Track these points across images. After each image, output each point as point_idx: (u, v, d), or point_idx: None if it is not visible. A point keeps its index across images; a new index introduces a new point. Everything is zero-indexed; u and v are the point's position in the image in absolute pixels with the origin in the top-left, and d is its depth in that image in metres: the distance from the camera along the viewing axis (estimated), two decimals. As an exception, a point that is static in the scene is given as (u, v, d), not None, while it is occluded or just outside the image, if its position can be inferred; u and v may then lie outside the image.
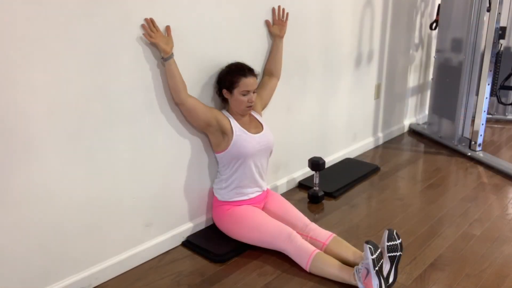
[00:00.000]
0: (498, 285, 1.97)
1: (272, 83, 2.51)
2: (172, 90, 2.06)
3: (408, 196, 2.83)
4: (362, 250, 2.06)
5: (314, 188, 2.74)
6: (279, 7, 2.49)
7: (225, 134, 2.21)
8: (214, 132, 2.21)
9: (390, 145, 3.74)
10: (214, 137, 2.24)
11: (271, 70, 2.52)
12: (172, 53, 1.99)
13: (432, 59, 3.99)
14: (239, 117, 2.26)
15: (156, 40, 1.94)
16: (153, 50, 1.99)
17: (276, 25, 2.50)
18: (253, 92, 2.21)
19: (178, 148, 2.21)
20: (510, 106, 4.29)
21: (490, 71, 3.23)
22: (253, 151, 2.23)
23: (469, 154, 3.42)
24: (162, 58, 1.99)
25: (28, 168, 1.70)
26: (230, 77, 2.18)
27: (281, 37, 2.51)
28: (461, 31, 3.40)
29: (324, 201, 2.76)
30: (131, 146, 2.01)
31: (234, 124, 2.22)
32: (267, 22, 2.47)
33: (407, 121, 4.11)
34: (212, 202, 2.39)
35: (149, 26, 1.94)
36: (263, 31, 2.48)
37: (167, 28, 2.01)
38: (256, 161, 2.28)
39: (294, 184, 2.97)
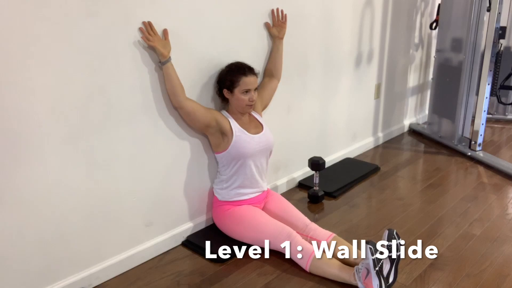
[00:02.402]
0: (498, 285, 1.97)
1: (273, 84, 2.51)
2: (170, 94, 2.05)
3: (408, 196, 2.83)
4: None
5: (314, 188, 2.74)
6: (277, 9, 2.49)
7: (224, 135, 2.21)
8: (214, 133, 2.21)
9: (390, 145, 3.74)
10: (214, 138, 2.24)
11: (271, 71, 2.52)
12: (170, 57, 1.99)
13: (432, 59, 3.99)
14: (239, 116, 2.26)
15: (154, 44, 1.94)
16: (153, 51, 1.99)
17: (276, 27, 2.50)
18: (254, 91, 2.21)
19: (178, 148, 2.21)
20: (510, 106, 4.29)
21: (490, 71, 3.23)
22: (253, 151, 2.23)
23: (469, 154, 3.42)
24: (160, 62, 1.99)
25: (28, 168, 1.70)
26: (231, 76, 2.18)
27: (281, 38, 2.51)
28: (461, 31, 3.40)
29: (324, 201, 2.76)
30: (131, 146, 2.01)
31: (234, 124, 2.22)
32: (266, 24, 2.47)
33: (407, 121, 4.11)
34: (212, 202, 2.39)
35: (147, 29, 1.93)
36: (263, 30, 2.48)
37: (165, 32, 2.00)
38: (256, 162, 2.28)
39: (294, 184, 2.97)
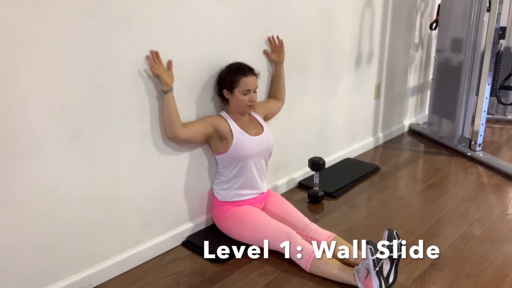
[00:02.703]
0: (498, 285, 1.97)
1: (279, 105, 2.57)
2: (166, 123, 2.06)
3: (408, 196, 2.83)
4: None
5: (314, 188, 2.74)
6: (272, 36, 2.50)
7: (224, 138, 2.21)
8: (213, 138, 2.22)
9: (390, 145, 3.74)
10: (213, 142, 2.25)
11: (275, 95, 2.57)
12: (172, 88, 2.02)
13: (432, 59, 3.99)
14: (239, 117, 2.26)
15: (160, 72, 1.97)
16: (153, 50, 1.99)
17: (274, 53, 2.52)
18: (254, 92, 2.21)
19: (178, 148, 2.21)
20: (510, 106, 4.29)
21: (490, 71, 3.23)
22: (253, 153, 2.23)
23: (469, 154, 3.42)
24: (162, 90, 2.01)
25: (28, 168, 1.70)
26: (231, 76, 2.18)
27: (281, 63, 2.54)
28: (461, 31, 3.40)
29: (324, 201, 2.76)
30: (131, 146, 2.01)
31: (234, 126, 2.22)
32: (265, 51, 2.50)
33: (407, 121, 4.11)
34: (212, 202, 2.39)
35: (153, 58, 1.97)
36: (263, 31, 2.48)
37: (169, 63, 2.03)
38: (257, 163, 2.28)
39: (294, 184, 2.97)
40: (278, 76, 2.55)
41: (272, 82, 2.57)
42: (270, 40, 2.51)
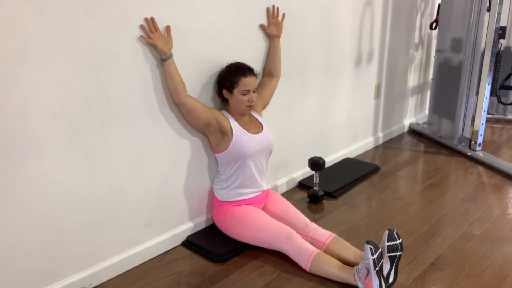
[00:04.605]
0: (498, 285, 1.97)
1: (273, 83, 2.51)
2: (171, 91, 2.05)
3: (408, 196, 2.83)
4: (362, 250, 2.07)
5: (314, 188, 2.74)
6: (273, 6, 2.48)
7: (224, 134, 2.21)
8: (214, 132, 2.21)
9: (390, 145, 3.74)
10: (214, 138, 2.24)
11: (270, 70, 2.51)
12: (171, 54, 1.99)
13: (432, 59, 3.99)
14: (239, 117, 2.26)
15: (155, 41, 1.94)
16: (153, 50, 1.99)
17: (272, 25, 2.49)
18: (253, 92, 2.21)
19: (178, 148, 2.21)
20: (510, 106, 4.30)
21: (490, 70, 3.23)
22: (252, 151, 2.23)
23: (469, 154, 3.42)
24: (161, 59, 1.99)
25: (28, 168, 1.70)
26: (230, 77, 2.18)
27: (279, 36, 2.51)
28: (461, 31, 3.40)
29: (324, 201, 2.76)
30: (131, 146, 2.01)
31: (234, 124, 2.22)
32: (262, 25, 2.46)
33: (407, 121, 4.11)
34: (212, 202, 2.39)
35: (149, 25, 1.94)
36: (263, 31, 2.48)
37: (167, 28, 2.01)
38: (256, 161, 2.28)
39: (294, 184, 2.97)
40: (275, 50, 2.50)
41: (268, 57, 2.52)
42: (269, 12, 2.47)
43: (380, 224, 2.49)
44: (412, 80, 4.00)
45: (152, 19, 1.94)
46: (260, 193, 2.35)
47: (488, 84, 3.26)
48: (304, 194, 2.84)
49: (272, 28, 2.48)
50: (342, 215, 2.60)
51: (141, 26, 1.92)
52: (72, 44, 1.72)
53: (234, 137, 2.20)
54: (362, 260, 1.92)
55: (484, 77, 3.26)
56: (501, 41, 3.37)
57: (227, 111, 2.28)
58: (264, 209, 2.35)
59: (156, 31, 1.95)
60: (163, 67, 2.01)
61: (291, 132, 2.86)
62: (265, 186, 2.39)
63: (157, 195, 2.17)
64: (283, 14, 2.52)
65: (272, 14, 2.49)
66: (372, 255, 1.81)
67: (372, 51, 3.38)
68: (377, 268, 1.82)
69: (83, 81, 1.79)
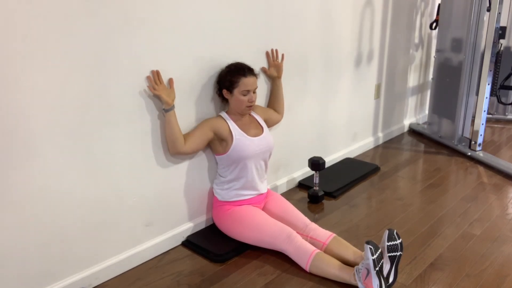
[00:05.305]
0: (498, 285, 1.97)
1: (278, 117, 2.57)
2: (169, 141, 2.08)
3: (408, 196, 2.83)
4: (362, 250, 2.07)
5: (314, 188, 2.74)
6: (272, 50, 2.51)
7: (223, 140, 2.22)
8: (213, 141, 2.24)
9: (390, 145, 3.74)
10: (213, 144, 2.26)
11: (274, 108, 2.58)
12: (173, 105, 2.04)
13: (432, 59, 3.99)
14: (238, 117, 2.26)
15: (159, 93, 1.99)
16: (153, 51, 1.99)
17: (273, 67, 2.53)
18: (254, 92, 2.21)
19: (178, 148, 2.21)
20: (510, 106, 4.30)
21: (490, 70, 3.24)
22: (252, 154, 2.23)
23: (469, 154, 3.42)
24: (164, 109, 2.03)
25: (28, 168, 1.70)
26: (230, 77, 2.18)
27: (279, 77, 2.56)
28: (461, 31, 3.40)
29: (324, 201, 2.76)
30: (131, 146, 2.01)
31: (233, 127, 2.22)
32: (263, 68, 2.51)
33: (407, 121, 4.11)
34: (212, 202, 2.39)
35: (154, 78, 1.99)
36: (263, 31, 2.48)
37: (170, 81, 2.06)
38: (256, 164, 2.28)
39: (294, 184, 2.97)
40: (277, 91, 2.56)
41: (271, 96, 2.59)
42: (269, 54, 2.52)
43: (380, 224, 2.49)
44: (412, 80, 4.00)
45: (158, 72, 2.00)
46: (259, 194, 2.35)
47: (488, 84, 3.26)
48: (304, 194, 2.84)
49: (272, 70, 2.53)
50: (342, 215, 2.60)
51: (147, 78, 1.97)
52: (72, 44, 1.72)
53: (234, 141, 2.20)
54: (362, 260, 1.92)
55: (484, 77, 3.26)
56: (501, 41, 3.37)
57: (227, 111, 2.28)
58: (264, 209, 2.35)
59: (160, 83, 2.01)
60: (165, 117, 2.05)
61: (291, 132, 2.86)
62: (265, 188, 2.39)
63: (157, 195, 2.17)
64: (282, 55, 2.57)
65: (272, 57, 2.53)
66: (372, 255, 1.81)
67: (372, 51, 3.38)
68: (377, 268, 1.82)
69: (83, 80, 1.79)
